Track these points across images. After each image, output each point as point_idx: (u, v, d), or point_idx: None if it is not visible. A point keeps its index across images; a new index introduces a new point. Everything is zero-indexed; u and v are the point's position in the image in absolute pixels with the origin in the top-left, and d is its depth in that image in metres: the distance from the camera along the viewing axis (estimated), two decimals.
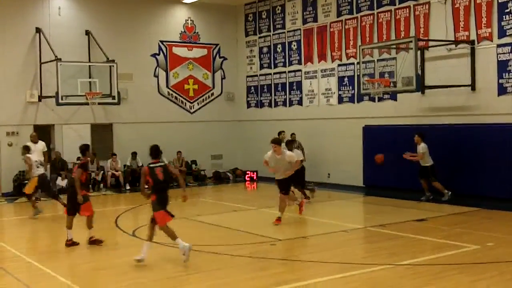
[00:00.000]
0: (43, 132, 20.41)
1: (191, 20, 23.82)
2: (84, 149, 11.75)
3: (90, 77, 20.03)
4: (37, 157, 16.27)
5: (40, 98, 20.10)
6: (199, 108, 23.96)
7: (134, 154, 21.41)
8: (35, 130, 19.83)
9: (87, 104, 19.91)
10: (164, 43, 23.15)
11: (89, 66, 20.52)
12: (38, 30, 20.20)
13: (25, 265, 10.04)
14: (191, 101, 23.81)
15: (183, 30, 23.65)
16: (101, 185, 20.55)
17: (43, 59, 20.04)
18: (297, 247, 11.07)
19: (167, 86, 23.24)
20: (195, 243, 10.69)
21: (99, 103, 20.29)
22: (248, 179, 23.04)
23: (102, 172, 20.71)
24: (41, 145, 18.09)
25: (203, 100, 24.06)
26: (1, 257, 10.63)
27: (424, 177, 16.22)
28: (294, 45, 22.22)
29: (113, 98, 20.01)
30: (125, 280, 8.87)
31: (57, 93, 18.99)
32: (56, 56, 19.21)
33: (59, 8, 20.86)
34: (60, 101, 19.12)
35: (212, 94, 24.32)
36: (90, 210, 11.30)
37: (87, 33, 21.15)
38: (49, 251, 11.35)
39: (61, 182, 19.65)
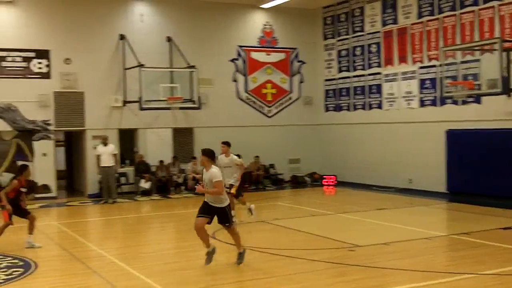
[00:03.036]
0: (127, 136, 21.09)
1: (269, 25, 23.94)
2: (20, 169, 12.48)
3: (171, 83, 20.47)
4: (107, 158, 18.26)
5: (124, 103, 20.73)
6: (277, 112, 24.02)
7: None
8: (119, 134, 20.57)
9: (168, 108, 20.42)
10: (242, 48, 23.38)
11: (171, 71, 20.99)
12: (122, 37, 20.87)
13: (109, 264, 10.34)
14: (269, 105, 23.91)
15: (261, 35, 23.80)
16: (182, 187, 20.98)
17: (126, 65, 20.67)
18: (377, 253, 10.89)
19: (245, 91, 23.45)
20: (272, 247, 10.73)
21: (180, 108, 20.75)
22: (326, 183, 22.87)
23: (183, 175, 21.14)
24: (111, 147, 18.94)
25: (281, 104, 24.11)
26: (86, 256, 11.01)
27: None
28: (374, 48, 21.91)
29: (194, 102, 20.41)
30: (206, 281, 9.00)
31: (140, 98, 19.58)
32: (139, 62, 19.78)
33: (141, 15, 21.49)
34: (143, 106, 19.70)
35: (290, 98, 24.33)
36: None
37: (169, 39, 21.66)
38: (133, 251, 11.66)
39: (144, 184, 20.20)
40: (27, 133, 19.81)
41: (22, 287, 8.95)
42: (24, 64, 19.79)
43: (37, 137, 19.96)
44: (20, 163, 14.28)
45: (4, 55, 19.49)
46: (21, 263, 10.29)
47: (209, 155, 9.72)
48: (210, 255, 9.55)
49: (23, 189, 11.93)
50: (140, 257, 11.06)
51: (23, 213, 11.99)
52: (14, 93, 19.38)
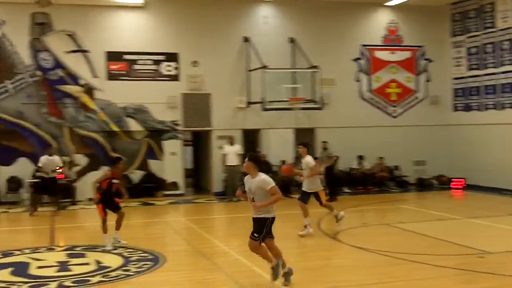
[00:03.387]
0: (251, 136, 21.45)
1: (394, 23, 23.38)
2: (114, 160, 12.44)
3: (293, 83, 20.55)
4: (233, 157, 19.01)
5: (248, 104, 21.10)
6: (402, 112, 23.39)
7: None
8: (243, 134, 21.00)
9: (290, 109, 20.54)
10: (366, 47, 23.01)
11: (293, 72, 21.09)
12: (246, 39, 21.26)
13: (234, 261, 10.55)
14: (394, 105, 23.36)
15: (385, 33, 23.30)
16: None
17: (250, 66, 21.02)
18: (509, 261, 10.28)
19: (369, 90, 23.06)
20: (397, 251, 10.46)
21: (302, 108, 20.81)
22: (455, 186, 21.93)
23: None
24: (237, 147, 19.36)
25: (407, 103, 23.46)
26: (212, 252, 11.29)
27: None
28: (506, 45, 20.74)
29: (316, 103, 20.39)
30: (329, 282, 8.93)
31: (263, 99, 19.85)
32: (262, 64, 20.05)
33: (265, 17, 21.78)
34: (266, 106, 19.97)
35: (416, 97, 23.61)
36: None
37: (291, 40, 21.77)
38: None
39: None
40: (157, 133, 20.82)
41: (151, 280, 9.34)
42: (154, 67, 20.72)
43: (166, 137, 20.91)
44: (114, 155, 14.88)
45: (136, 58, 20.51)
46: (150, 257, 10.76)
47: (255, 160, 8.70)
48: (275, 270, 8.49)
49: (115, 181, 11.89)
50: (253, 255, 11.16)
51: (115, 208, 12.01)
52: (145, 95, 20.37)
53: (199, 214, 17.38)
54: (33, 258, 10.87)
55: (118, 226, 11.99)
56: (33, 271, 9.97)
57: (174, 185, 20.74)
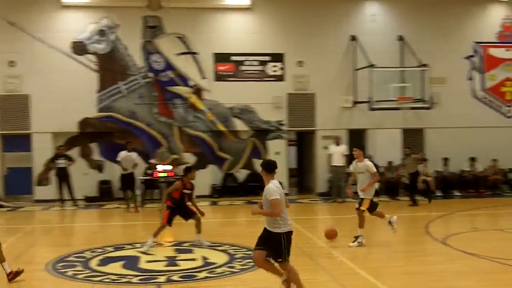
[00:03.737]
0: (357, 136, 21.13)
1: (509, 19, 22.23)
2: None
3: (402, 82, 20.02)
4: (339, 158, 18.78)
5: (354, 103, 20.81)
6: None
7: (445, 160, 20.85)
8: (349, 134, 20.76)
9: (398, 109, 20.04)
10: (479, 44, 22.03)
11: (401, 71, 20.56)
12: (353, 38, 20.97)
13: (338, 262, 10.42)
14: (509, 104, 22.20)
15: (500, 30, 22.19)
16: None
17: (357, 65, 20.72)
18: None
19: (482, 89, 22.05)
20: (508, 258, 9.94)
21: (410, 108, 20.25)
22: None
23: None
24: (343, 147, 19.09)
25: None
26: (315, 252, 11.21)
27: None
28: None
29: (425, 102, 19.79)
30: None
31: (370, 98, 19.51)
32: (369, 62, 19.71)
33: (373, 15, 21.39)
34: (373, 106, 19.60)
35: None
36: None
37: (400, 38, 21.24)
38: (361, 251, 11.57)
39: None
40: (262, 133, 21.01)
41: (255, 278, 9.40)
42: (260, 67, 20.93)
43: (271, 137, 21.07)
44: (186, 165, 14.67)
45: (242, 59, 20.80)
46: None
47: (266, 167, 7.90)
48: (287, 283, 7.88)
49: (187, 191, 11.74)
50: (369, 258, 10.97)
51: (188, 215, 11.90)
52: (251, 95, 20.62)
53: (303, 214, 17.33)
54: (142, 253, 11.26)
55: (199, 230, 11.87)
56: (142, 265, 10.34)
57: None
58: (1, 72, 19.60)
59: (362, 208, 11.66)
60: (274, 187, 7.70)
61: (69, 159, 19.11)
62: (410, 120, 21.30)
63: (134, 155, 17.96)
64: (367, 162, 12.01)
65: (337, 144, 19.48)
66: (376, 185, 12.53)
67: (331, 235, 11.88)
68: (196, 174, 12.70)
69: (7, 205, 18.90)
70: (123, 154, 17.80)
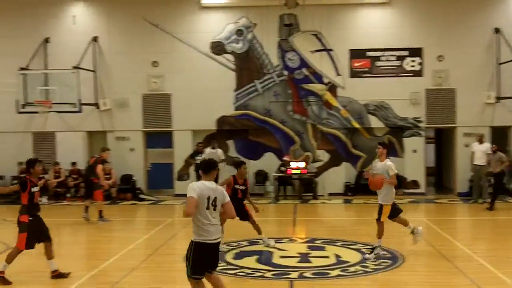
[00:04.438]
0: (500, 134, 20.00)
1: None
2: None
3: None
4: (481, 156, 17.74)
5: (497, 99, 19.69)
6: None
7: None
8: (492, 132, 19.68)
9: None
10: None
11: None
12: (496, 30, 19.85)
13: (477, 266, 9.93)
14: None
15: None
16: None
17: (501, 59, 19.59)
18: None
19: None
20: None
21: None
22: None
23: None
24: (486, 146, 18.04)
25: None
26: (453, 255, 10.76)
27: None
28: None
29: None
30: None
31: None
32: None
33: None
34: None
35: None
36: None
37: None
38: (502, 255, 10.94)
39: None
40: (398, 130, 20.48)
41: (389, 278, 9.22)
42: (397, 63, 20.40)
43: (407, 134, 20.49)
44: (236, 159, 14.06)
45: (378, 54, 20.39)
46: (389, 255, 10.62)
47: (202, 166, 7.24)
48: None
49: (239, 187, 11.30)
50: (510, 262, 10.35)
51: (242, 215, 11.44)
52: (386, 91, 20.19)
53: (441, 215, 16.69)
54: (276, 248, 11.41)
55: (258, 231, 11.59)
56: (276, 260, 10.48)
57: (414, 184, 20.22)
58: (145, 72, 20.69)
59: (382, 219, 10.60)
60: (193, 186, 6.84)
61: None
62: None
63: (219, 151, 18.52)
64: (388, 162, 10.76)
65: (480, 142, 18.45)
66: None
67: (375, 183, 10.61)
68: (247, 170, 11.97)
69: (150, 198, 19.97)
70: (208, 151, 18.39)
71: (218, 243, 6.93)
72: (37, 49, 20.32)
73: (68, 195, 20.07)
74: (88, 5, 20.85)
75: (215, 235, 6.81)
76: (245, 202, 11.62)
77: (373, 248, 10.61)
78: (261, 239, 11.61)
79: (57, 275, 9.35)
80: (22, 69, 19.28)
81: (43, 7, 20.71)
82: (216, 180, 7.44)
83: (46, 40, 20.63)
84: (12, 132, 20.80)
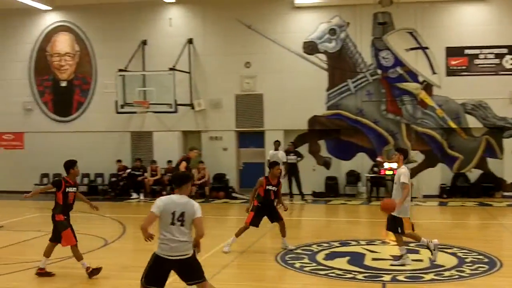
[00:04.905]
0: None
1: None
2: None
3: None
4: None
5: None
6: None
7: None
8: None
9: None
10: None
11: None
12: None
13: None
14: None
15: None
16: None
17: None
18: None
19: None
20: None
21: None
22: None
23: None
24: None
25: None
26: None
27: None
28: None
29: None
30: None
31: None
32: None
33: None
34: None
35: None
36: None
37: None
38: None
39: None
40: (497, 130, 19.67)
41: (485, 284, 8.90)
42: (496, 60, 19.61)
43: (507, 134, 19.63)
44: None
45: (476, 52, 19.68)
46: (486, 260, 10.24)
47: (173, 180, 7.00)
48: None
49: (271, 187, 11.10)
50: None
51: (273, 217, 11.34)
52: (485, 90, 19.48)
53: None
54: (368, 250, 11.28)
55: (283, 233, 11.39)
56: (368, 262, 10.35)
57: None
58: (238, 73, 20.99)
59: (406, 232, 9.86)
60: (158, 201, 6.60)
61: (298, 155, 19.82)
62: None
63: (280, 153, 18.63)
64: (401, 169, 9.93)
65: None
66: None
67: (387, 207, 9.73)
68: (280, 171, 11.70)
69: (242, 197, 20.24)
70: (271, 153, 18.82)
71: (183, 259, 6.53)
72: (135, 51, 21.11)
73: (164, 192, 20.69)
74: (184, 8, 21.41)
75: (177, 252, 6.49)
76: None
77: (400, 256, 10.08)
78: (283, 242, 11.40)
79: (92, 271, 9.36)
80: (121, 70, 20.09)
81: (141, 10, 21.49)
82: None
83: (144, 42, 21.39)
84: (111, 131, 21.72)
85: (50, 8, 22.09)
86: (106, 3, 21.62)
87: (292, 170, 19.49)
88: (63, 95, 22.43)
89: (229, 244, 11.17)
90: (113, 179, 21.03)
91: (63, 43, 22.45)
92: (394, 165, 18.84)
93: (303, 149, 20.71)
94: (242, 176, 21.60)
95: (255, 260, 10.82)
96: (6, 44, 22.73)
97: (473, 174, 19.90)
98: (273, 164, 11.39)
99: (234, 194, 20.45)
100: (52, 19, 22.40)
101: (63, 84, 22.49)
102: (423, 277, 9.22)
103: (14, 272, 9.77)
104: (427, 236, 10.92)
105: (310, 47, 20.64)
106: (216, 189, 20.43)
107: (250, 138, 21.49)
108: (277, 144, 19.20)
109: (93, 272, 9.33)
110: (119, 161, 20.99)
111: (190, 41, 21.13)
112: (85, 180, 21.72)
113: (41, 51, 22.57)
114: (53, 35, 22.48)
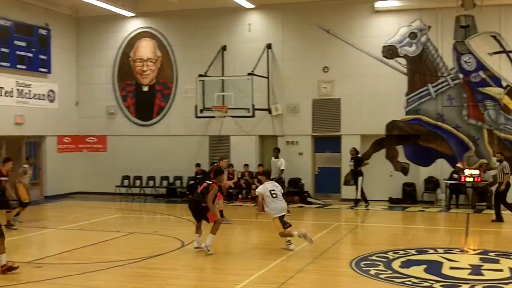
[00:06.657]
0: None
1: None
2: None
3: None
4: None
5: None
6: None
7: None
8: None
9: None
10: None
11: None
12: None
13: None
14: None
15: None
16: None
17: None
18: None
19: None
20: None
21: None
22: None
23: None
24: None
25: None
26: None
27: None
28: None
29: None
30: None
31: None
32: None
33: None
34: None
35: None
36: None
37: None
38: None
39: None
40: None
41: None
42: None
43: None
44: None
45: None
46: None
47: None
48: None
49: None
50: None
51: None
52: None
53: None
54: (446, 258, 11.03)
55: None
56: (445, 271, 10.11)
57: None
58: (316, 77, 20.98)
59: None
60: None
61: (357, 161, 19.36)
62: None
63: (280, 161, 18.59)
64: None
65: None
66: None
67: None
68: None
69: (317, 202, 20.20)
70: (272, 160, 18.89)
71: None
72: (215, 56, 21.50)
73: (240, 196, 20.96)
74: (263, 13, 21.62)
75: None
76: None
77: None
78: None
79: (7, 268, 9.62)
80: (201, 75, 20.52)
81: (221, 16, 21.87)
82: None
83: (223, 48, 21.76)
84: (190, 135, 22.20)
85: (133, 14, 22.86)
86: (187, 9, 22.15)
87: (352, 176, 19.38)
88: (144, 100, 23.13)
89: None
90: (191, 182, 21.48)
91: (145, 49, 23.17)
92: (475, 172, 18.43)
93: (381, 154, 20.46)
94: (317, 181, 21.54)
95: (329, 266, 10.79)
96: (91, 50, 23.69)
97: None
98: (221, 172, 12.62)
99: (309, 199, 20.43)
100: (135, 25, 23.18)
101: (145, 89, 23.19)
102: None
103: (93, 272, 10.14)
104: (509, 246, 10.63)
105: (390, 51, 20.36)
106: (291, 194, 20.45)
107: (327, 143, 21.38)
108: (276, 152, 19.17)
109: (9, 269, 9.61)
110: (198, 165, 21.40)
111: (268, 46, 21.32)
112: (164, 183, 22.31)
113: (125, 56, 23.38)
114: (136, 41, 23.25)
